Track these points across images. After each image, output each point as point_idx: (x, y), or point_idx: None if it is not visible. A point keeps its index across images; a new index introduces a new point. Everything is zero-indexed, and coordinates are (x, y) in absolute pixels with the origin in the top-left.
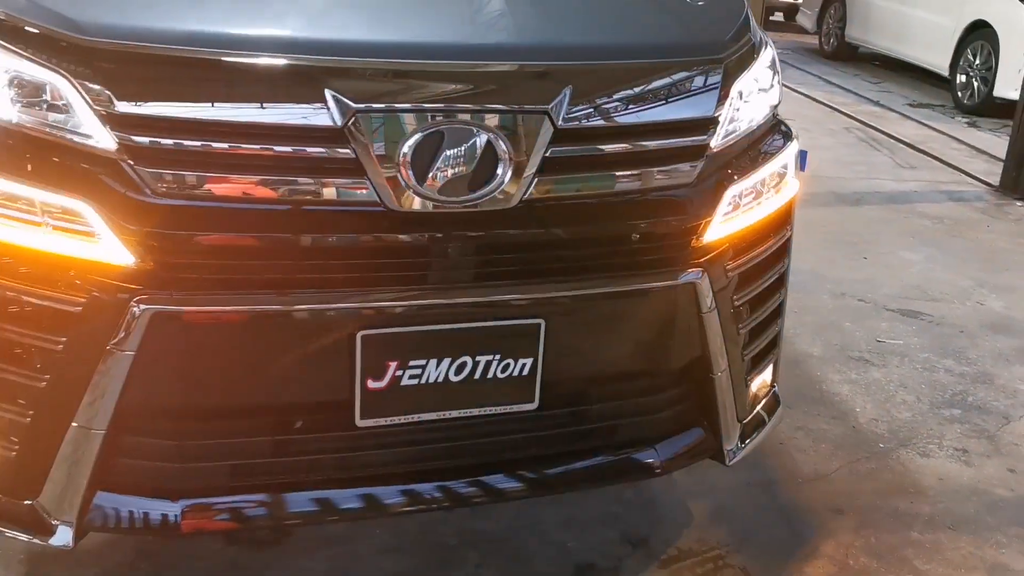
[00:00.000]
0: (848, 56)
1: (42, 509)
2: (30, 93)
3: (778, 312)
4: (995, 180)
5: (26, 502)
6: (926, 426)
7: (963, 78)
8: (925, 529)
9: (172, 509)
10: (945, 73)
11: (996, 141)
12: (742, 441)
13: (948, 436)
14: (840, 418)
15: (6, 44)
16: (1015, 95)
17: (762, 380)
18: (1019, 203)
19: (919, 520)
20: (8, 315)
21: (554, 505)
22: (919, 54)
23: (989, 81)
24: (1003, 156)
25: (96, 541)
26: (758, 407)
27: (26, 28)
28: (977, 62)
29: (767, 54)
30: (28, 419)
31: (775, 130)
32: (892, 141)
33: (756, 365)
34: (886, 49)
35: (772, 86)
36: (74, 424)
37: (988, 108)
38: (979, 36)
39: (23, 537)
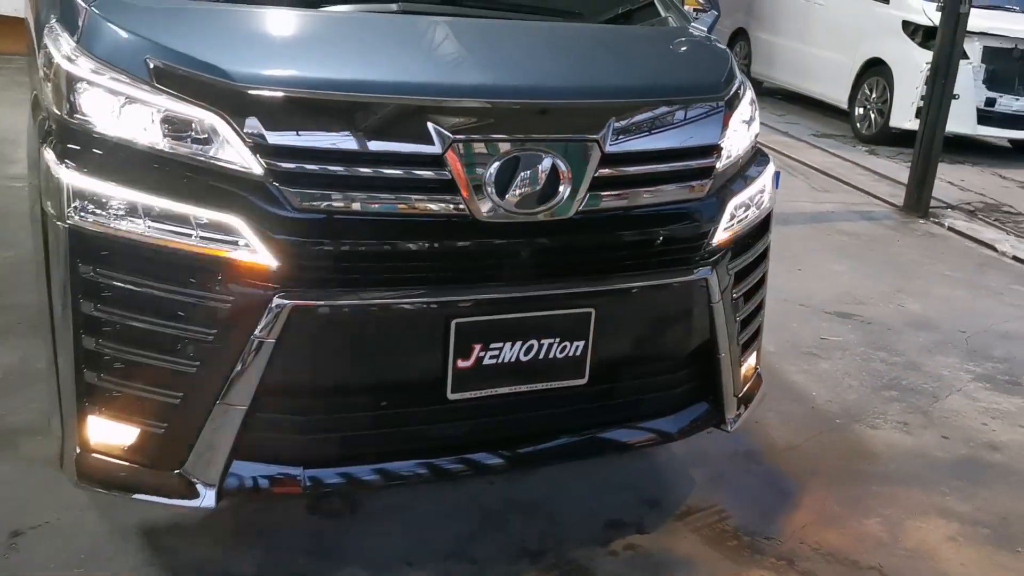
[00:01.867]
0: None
1: (188, 477)
2: (192, 129)
3: (761, 306)
4: (899, 201)
5: (174, 472)
6: (871, 405)
7: (861, 110)
8: (882, 484)
9: (297, 474)
10: (844, 106)
11: (894, 167)
12: (738, 412)
13: (890, 412)
14: (800, 401)
15: (169, 89)
16: (909, 125)
17: (750, 362)
18: (922, 221)
19: (876, 477)
20: (166, 312)
21: (576, 477)
22: (820, 89)
23: (885, 113)
24: (902, 180)
25: (199, 514)
26: (748, 385)
27: (187, 76)
28: (873, 96)
29: (749, 94)
30: (178, 400)
31: (757, 155)
32: (805, 167)
33: (746, 349)
34: (789, 84)
35: (753, 119)
36: (219, 403)
37: (885, 137)
38: (875, 72)
39: (171, 502)
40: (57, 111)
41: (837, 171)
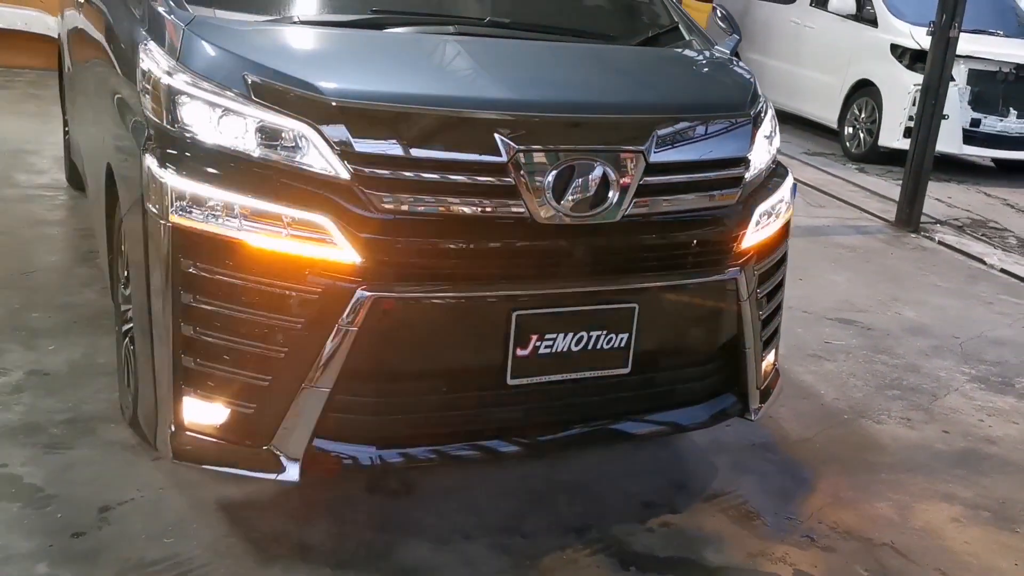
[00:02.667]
0: None
1: (275, 452)
2: (285, 138)
3: (780, 306)
4: (890, 216)
5: (262, 448)
6: (875, 402)
7: (850, 130)
8: (890, 472)
9: (371, 452)
10: (834, 126)
11: (884, 184)
12: (761, 403)
13: (893, 409)
14: (810, 398)
15: (265, 102)
16: (898, 144)
17: (770, 359)
18: (913, 235)
19: (884, 466)
20: (259, 303)
21: (610, 462)
22: (811, 109)
23: (874, 133)
24: (892, 196)
25: (270, 492)
26: (768, 380)
27: (282, 90)
28: (862, 116)
29: (770, 111)
30: (267, 383)
31: (778, 167)
32: (800, 184)
33: (767, 346)
34: (780, 104)
35: (774, 134)
36: (305, 385)
37: (874, 156)
38: (864, 93)
39: (259, 475)
40: (157, 120)
41: (830, 188)
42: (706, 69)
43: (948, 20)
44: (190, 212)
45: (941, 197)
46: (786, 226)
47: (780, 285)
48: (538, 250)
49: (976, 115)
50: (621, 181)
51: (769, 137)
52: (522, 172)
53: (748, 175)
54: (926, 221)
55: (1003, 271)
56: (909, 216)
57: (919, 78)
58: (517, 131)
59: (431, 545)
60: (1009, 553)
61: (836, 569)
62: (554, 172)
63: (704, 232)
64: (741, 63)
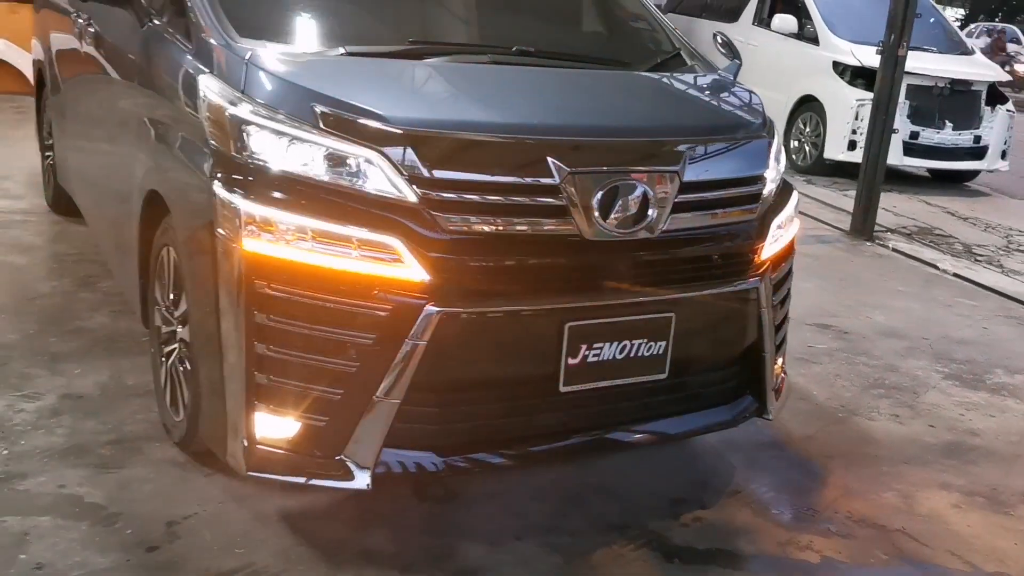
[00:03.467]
0: None
1: (347, 461)
2: (354, 164)
3: (787, 315)
4: (845, 226)
5: (334, 458)
6: (864, 401)
7: (796, 143)
8: (889, 464)
9: (435, 459)
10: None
11: (833, 195)
12: (775, 405)
13: (882, 407)
14: (805, 399)
15: (334, 130)
16: (842, 157)
17: (781, 362)
18: (868, 243)
19: (883, 459)
20: (331, 321)
21: (634, 464)
22: None
23: (819, 146)
24: (843, 207)
25: (324, 502)
26: (779, 381)
27: (350, 119)
28: (807, 130)
29: (777, 132)
30: (339, 396)
31: (785, 184)
32: None
33: (779, 350)
34: None
35: (780, 153)
36: (375, 397)
37: (819, 168)
38: (808, 108)
39: (331, 485)
40: (224, 149)
41: None
42: (722, 94)
43: (896, 39)
44: (261, 235)
45: (887, 207)
46: (793, 240)
47: (789, 294)
48: (587, 265)
49: (915, 128)
50: (659, 199)
51: (777, 156)
52: (572, 193)
53: (765, 191)
54: (878, 230)
55: (956, 275)
56: (863, 226)
57: (861, 93)
58: (567, 155)
59: (486, 546)
60: (1007, 534)
61: (858, 554)
62: (600, 192)
63: (729, 245)
64: (749, 88)
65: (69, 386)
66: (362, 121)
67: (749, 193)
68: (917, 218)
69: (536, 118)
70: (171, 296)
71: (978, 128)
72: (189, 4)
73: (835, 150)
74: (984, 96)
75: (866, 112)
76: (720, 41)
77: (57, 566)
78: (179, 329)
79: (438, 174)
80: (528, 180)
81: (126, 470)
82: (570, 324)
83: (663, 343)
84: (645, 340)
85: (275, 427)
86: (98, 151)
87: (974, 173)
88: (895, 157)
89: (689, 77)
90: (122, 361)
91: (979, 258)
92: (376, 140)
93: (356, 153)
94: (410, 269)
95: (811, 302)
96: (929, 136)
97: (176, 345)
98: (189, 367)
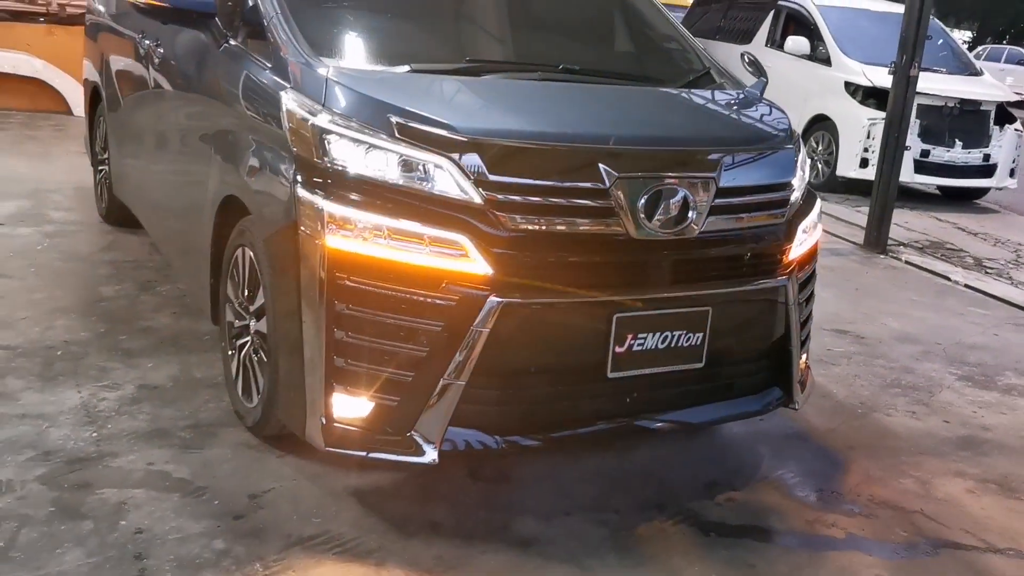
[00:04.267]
0: None
1: (416, 438)
2: (425, 169)
3: (811, 313)
4: (859, 240)
5: (405, 435)
6: (882, 399)
7: (809, 161)
8: (907, 455)
9: (497, 438)
10: None
11: (846, 211)
12: (801, 396)
13: (899, 405)
14: (826, 397)
15: (408, 138)
16: (854, 174)
17: (805, 357)
18: (882, 256)
19: (901, 450)
20: (405, 310)
21: (670, 452)
22: None
23: (831, 164)
24: (856, 222)
25: (388, 481)
26: (804, 375)
27: (422, 129)
28: (820, 148)
29: (801, 143)
30: (410, 378)
31: (810, 192)
32: None
33: (803, 346)
34: None
35: (806, 163)
36: (443, 379)
37: (832, 185)
38: (820, 127)
39: (403, 459)
40: (306, 156)
41: None
42: (751, 109)
43: (908, 60)
44: (341, 233)
45: (899, 222)
46: (816, 246)
47: (813, 293)
48: (632, 262)
49: (925, 146)
50: (698, 202)
51: (803, 165)
52: (620, 196)
53: (792, 197)
54: (891, 243)
55: (967, 286)
56: (877, 239)
57: (872, 112)
58: (616, 162)
59: (539, 520)
60: (1020, 516)
61: (880, 531)
62: (645, 196)
63: (761, 246)
64: (775, 104)
65: (144, 378)
66: (432, 130)
67: (778, 199)
68: (929, 233)
69: (587, 128)
70: (245, 292)
71: (987, 147)
72: (268, 26)
73: (847, 168)
74: (993, 115)
75: (878, 131)
76: (748, 60)
77: (155, 531)
78: (252, 323)
79: (500, 178)
80: (581, 184)
81: (206, 451)
82: (618, 315)
83: (700, 335)
84: (684, 331)
85: (351, 407)
86: (165, 163)
87: (983, 191)
88: (906, 174)
89: (720, 94)
90: (189, 357)
91: (989, 271)
92: (445, 147)
93: (427, 159)
94: (475, 263)
95: (828, 310)
96: (940, 154)
97: (249, 338)
98: (265, 356)
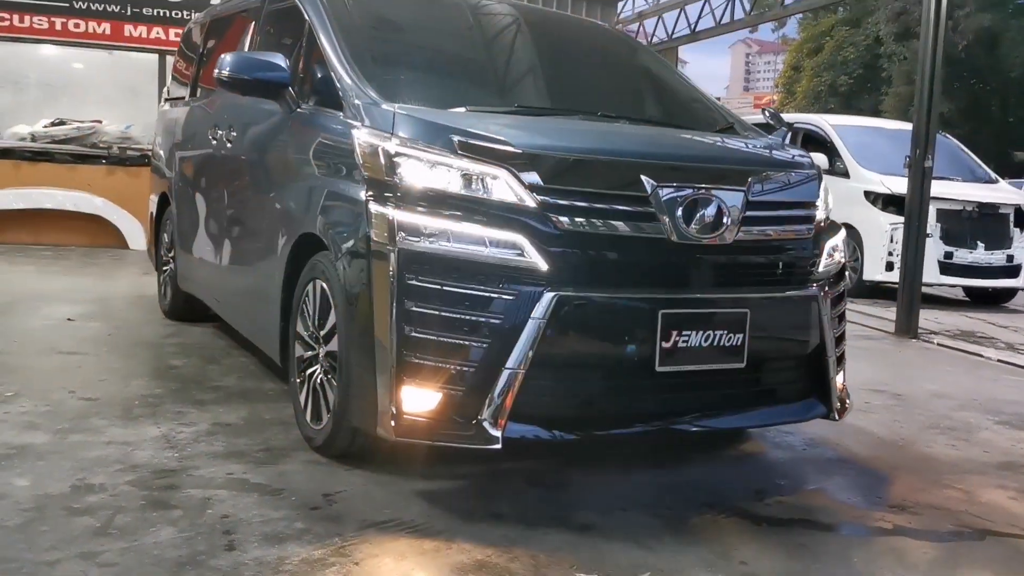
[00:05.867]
0: None
1: (483, 426)
2: (484, 179)
3: (844, 335)
4: (890, 329)
5: (472, 423)
6: (923, 437)
7: None
8: (949, 473)
9: (554, 431)
10: None
11: (875, 309)
12: (840, 407)
13: (939, 440)
14: (866, 434)
15: (469, 154)
16: (880, 278)
17: (841, 377)
18: (914, 340)
19: (944, 470)
20: (467, 305)
21: (717, 468)
22: None
23: (858, 269)
24: (887, 316)
25: (450, 486)
26: (842, 392)
27: (480, 145)
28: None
29: (822, 174)
30: (474, 369)
31: (833, 223)
32: None
33: (840, 363)
34: None
35: (828, 193)
36: (505, 369)
37: (860, 290)
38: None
39: (471, 447)
40: (377, 177)
41: None
42: (775, 147)
43: (922, 153)
44: (409, 238)
45: (929, 318)
46: (843, 268)
47: (844, 314)
48: (674, 262)
49: (948, 248)
50: (731, 211)
51: (825, 192)
52: (660, 203)
53: (818, 216)
54: (922, 332)
55: (1000, 361)
56: (907, 325)
57: (893, 218)
58: (656, 173)
59: (597, 513)
60: None
61: (927, 524)
62: (683, 204)
63: (791, 256)
64: (796, 148)
65: (217, 418)
66: (490, 145)
67: (804, 215)
68: (959, 326)
69: (629, 145)
70: (316, 321)
71: (1009, 248)
72: (338, 79)
73: (874, 272)
74: (1012, 218)
75: (900, 235)
76: (768, 114)
77: (240, 516)
78: (322, 349)
79: (552, 185)
80: (625, 192)
81: (279, 465)
82: (663, 311)
83: (741, 335)
84: (725, 331)
85: (420, 399)
86: (234, 233)
87: (1011, 293)
88: (932, 275)
89: (746, 139)
90: (257, 404)
91: (1021, 352)
92: (502, 159)
93: (486, 171)
94: (531, 261)
95: (864, 377)
96: (963, 256)
97: (318, 365)
98: (336, 368)
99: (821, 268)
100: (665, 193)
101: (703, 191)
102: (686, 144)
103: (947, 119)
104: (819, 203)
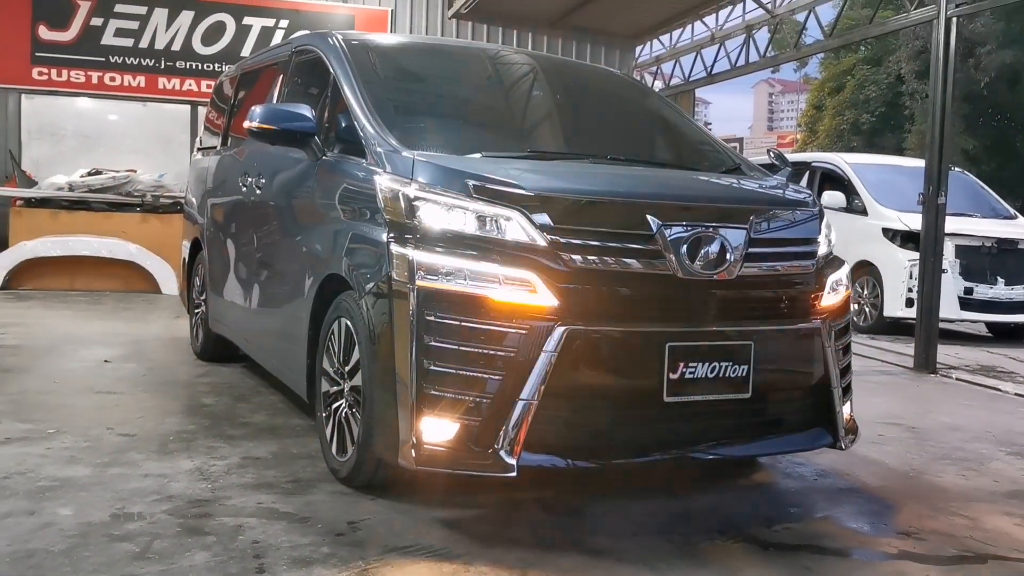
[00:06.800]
0: None
1: (498, 454)
2: (497, 221)
3: (849, 367)
4: (909, 364)
5: (488, 451)
6: (933, 467)
7: (855, 306)
8: (957, 501)
9: (566, 459)
10: None
11: (896, 346)
12: (847, 438)
13: (949, 470)
14: (877, 464)
15: (483, 197)
16: (901, 313)
17: (848, 408)
18: (932, 375)
19: (951, 499)
20: (483, 339)
21: (727, 498)
22: None
23: (878, 306)
24: (907, 352)
25: (467, 515)
26: (849, 422)
27: (493, 189)
28: (865, 292)
29: (824, 212)
30: (489, 400)
31: (836, 258)
32: None
33: (846, 393)
34: None
35: (831, 229)
36: (519, 400)
37: (881, 327)
38: (865, 273)
39: (487, 474)
40: (398, 219)
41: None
42: (779, 186)
43: (935, 189)
44: (428, 277)
45: (949, 353)
46: (847, 300)
47: (849, 347)
48: (680, 297)
49: (968, 284)
50: (734, 249)
51: (828, 230)
52: (666, 241)
53: (819, 252)
54: (940, 367)
55: (1017, 395)
56: (926, 360)
57: (911, 254)
58: (661, 213)
59: (610, 538)
60: None
61: (931, 549)
62: (687, 241)
63: (794, 290)
64: (798, 186)
65: (247, 452)
66: (503, 189)
67: (806, 251)
68: (979, 361)
69: (635, 187)
70: (341, 358)
71: None
72: (360, 129)
73: (894, 308)
74: None
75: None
76: (773, 154)
77: (270, 542)
78: (347, 384)
79: (562, 225)
80: (631, 231)
81: (307, 496)
82: (670, 344)
83: (745, 366)
84: (731, 363)
85: (438, 429)
86: (263, 275)
87: None
88: (952, 311)
89: (750, 178)
90: (285, 440)
91: None
92: (514, 201)
93: (499, 212)
94: (543, 297)
95: (880, 411)
96: (983, 291)
97: (343, 400)
98: (360, 401)
99: (824, 301)
100: (670, 231)
101: (707, 229)
102: (690, 185)
103: (972, 156)
104: (820, 239)
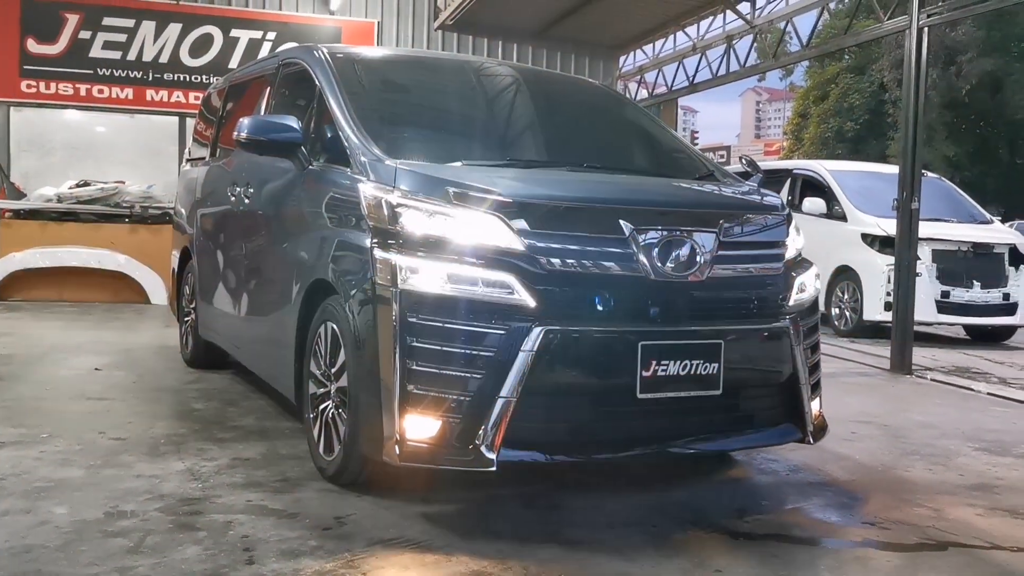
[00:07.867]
0: None
1: (479, 450)
2: (477, 225)
3: (818, 365)
4: (885, 366)
5: (469, 447)
6: (902, 462)
7: (836, 310)
8: (923, 494)
9: (543, 453)
10: (822, 309)
11: (875, 349)
12: (815, 433)
13: (918, 464)
14: (848, 459)
15: (463, 204)
16: (880, 317)
17: (817, 404)
18: (907, 376)
19: (917, 492)
20: (463, 340)
21: (700, 490)
22: None
23: (857, 310)
24: (883, 354)
25: (449, 509)
26: (818, 420)
27: (473, 195)
28: (845, 297)
29: (794, 218)
30: (470, 397)
31: (804, 260)
32: None
33: (815, 391)
34: None
35: (799, 232)
36: (498, 397)
37: (861, 330)
38: (844, 278)
39: (468, 469)
40: (381, 226)
41: (827, 351)
42: (749, 191)
43: (909, 195)
44: (410, 280)
45: (926, 356)
46: (816, 302)
47: (817, 345)
48: (652, 298)
49: (945, 287)
50: (704, 251)
51: (797, 233)
52: (638, 244)
53: (787, 255)
54: (916, 368)
55: (990, 394)
56: (901, 361)
57: (890, 259)
58: (633, 217)
59: (586, 530)
60: (1023, 529)
61: (894, 537)
62: (659, 244)
63: (762, 291)
64: (767, 191)
65: (237, 454)
66: (482, 196)
67: (774, 254)
68: (955, 363)
69: (609, 193)
70: (327, 360)
71: (1006, 286)
72: (345, 139)
73: (873, 311)
74: (1007, 257)
75: None
76: (745, 161)
77: (259, 536)
78: (333, 385)
79: (539, 230)
80: (605, 235)
81: (295, 494)
82: (642, 343)
83: (716, 364)
84: (701, 361)
85: (421, 427)
86: (252, 282)
87: (1010, 331)
88: (929, 314)
89: (722, 184)
90: (274, 442)
91: (1013, 385)
92: (494, 208)
93: (479, 218)
94: (521, 298)
95: (854, 410)
96: (960, 295)
97: (329, 401)
98: (347, 402)
99: (792, 302)
100: (643, 236)
101: (677, 233)
102: (662, 191)
103: (954, 162)
104: (788, 242)
